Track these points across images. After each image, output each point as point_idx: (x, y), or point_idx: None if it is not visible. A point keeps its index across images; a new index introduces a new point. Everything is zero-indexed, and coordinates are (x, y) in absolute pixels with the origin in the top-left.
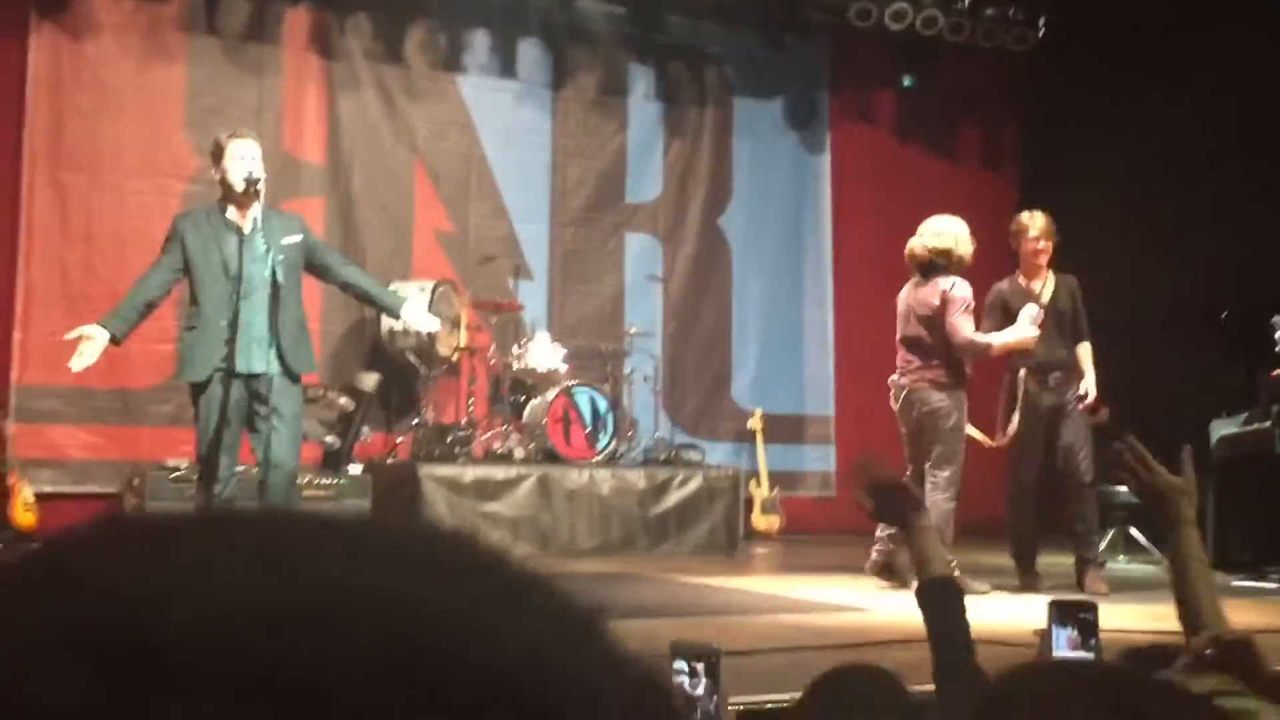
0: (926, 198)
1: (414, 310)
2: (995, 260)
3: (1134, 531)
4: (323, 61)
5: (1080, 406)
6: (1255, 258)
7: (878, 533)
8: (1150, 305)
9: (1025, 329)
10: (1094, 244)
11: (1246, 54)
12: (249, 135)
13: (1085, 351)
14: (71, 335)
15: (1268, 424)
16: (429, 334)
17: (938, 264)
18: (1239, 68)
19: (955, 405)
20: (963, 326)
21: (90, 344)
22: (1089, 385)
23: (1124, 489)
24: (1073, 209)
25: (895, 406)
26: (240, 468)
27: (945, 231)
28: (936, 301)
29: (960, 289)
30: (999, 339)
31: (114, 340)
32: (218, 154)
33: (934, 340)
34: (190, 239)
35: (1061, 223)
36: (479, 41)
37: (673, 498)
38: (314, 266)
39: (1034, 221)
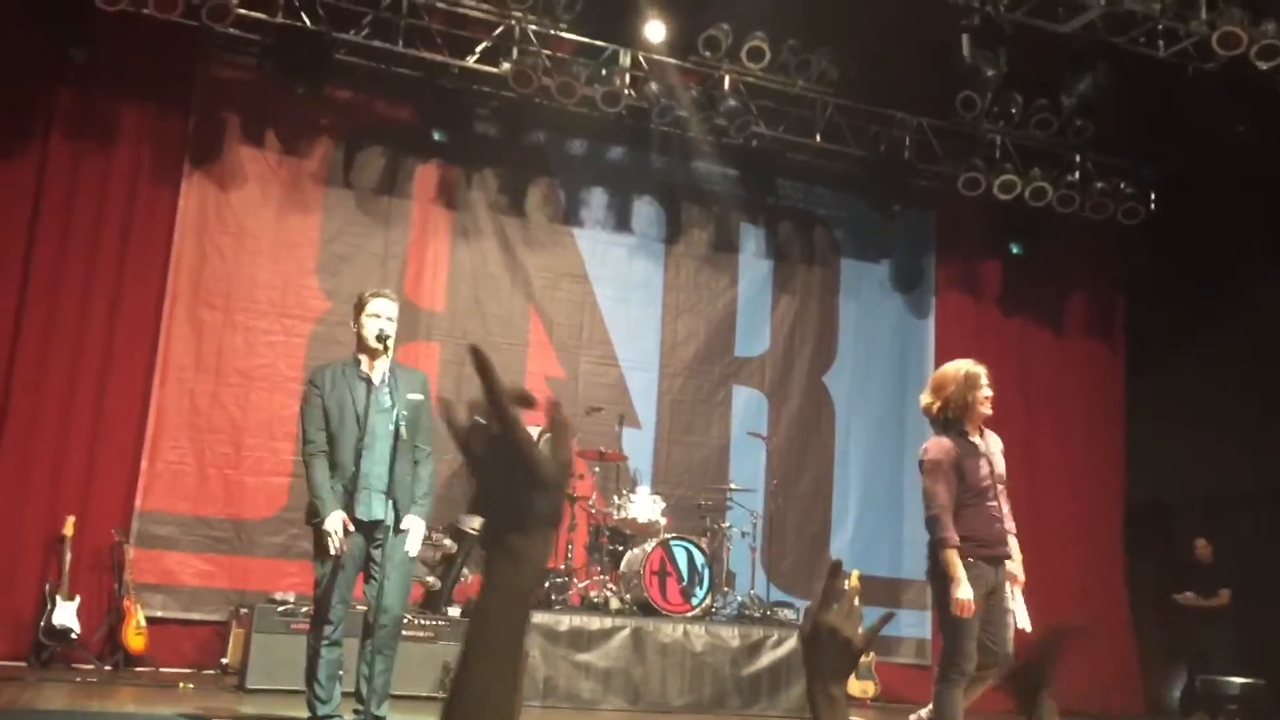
0: (1030, 364)
1: (413, 523)
2: (1096, 422)
3: None
4: (448, 213)
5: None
6: None
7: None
8: (1255, 480)
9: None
10: (1202, 417)
11: None
12: (388, 295)
13: None
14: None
15: None
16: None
17: (931, 420)
18: None
19: (957, 581)
20: (926, 495)
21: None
22: None
23: (1239, 679)
24: (1179, 379)
25: None
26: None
27: (928, 385)
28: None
29: (929, 449)
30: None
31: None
32: (359, 308)
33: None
34: (328, 389)
35: (1168, 394)
36: (596, 198)
37: (766, 658)
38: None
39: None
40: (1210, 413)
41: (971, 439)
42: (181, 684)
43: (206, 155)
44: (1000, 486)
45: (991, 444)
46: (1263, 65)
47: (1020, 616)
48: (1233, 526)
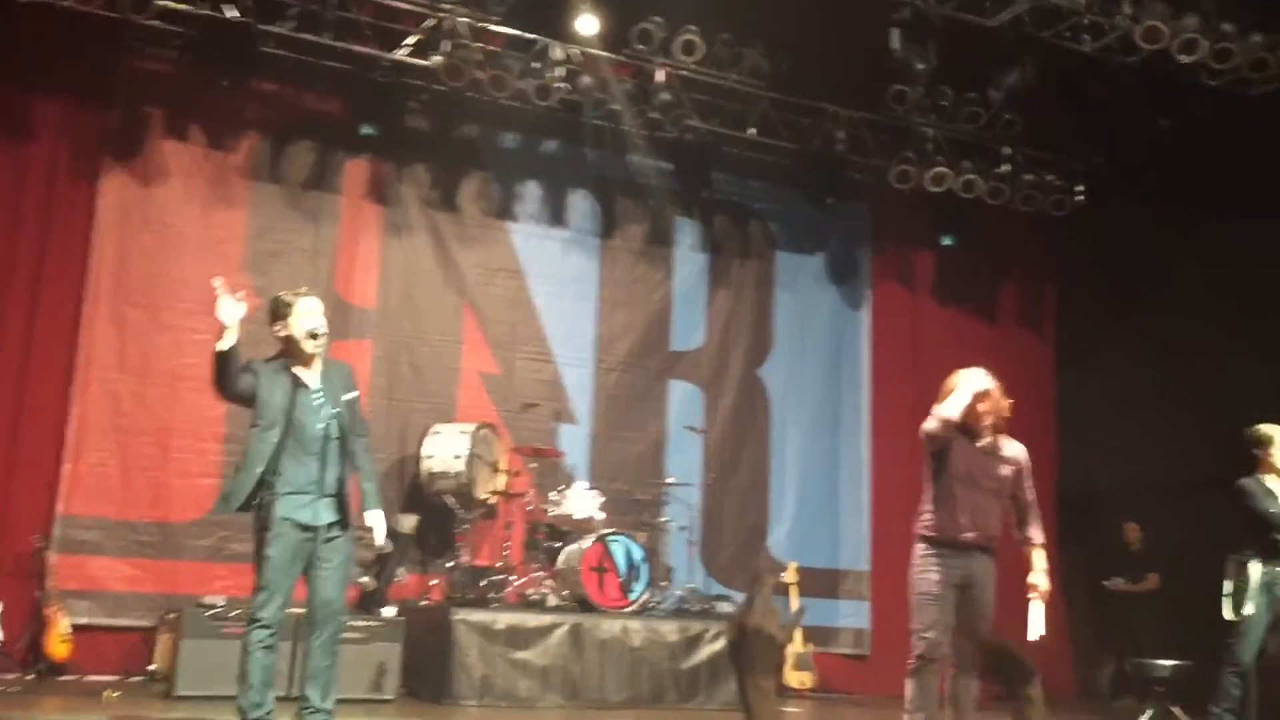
0: (964, 355)
1: (375, 519)
2: (1028, 411)
3: (1175, 709)
4: (379, 208)
5: None
6: None
7: (908, 706)
8: (1183, 467)
9: None
10: (1128, 403)
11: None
12: (313, 293)
13: None
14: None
15: None
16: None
17: None
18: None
19: (913, 555)
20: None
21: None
22: None
23: (1167, 662)
24: (1108, 369)
25: None
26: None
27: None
28: None
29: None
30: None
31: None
32: (283, 312)
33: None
34: (263, 379)
35: (1097, 383)
36: (530, 192)
37: (704, 651)
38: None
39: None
40: (1139, 401)
41: (979, 443)
42: (107, 692)
43: (128, 150)
44: (994, 486)
45: (1006, 449)
46: (1184, 59)
47: (1033, 627)
48: (1161, 513)
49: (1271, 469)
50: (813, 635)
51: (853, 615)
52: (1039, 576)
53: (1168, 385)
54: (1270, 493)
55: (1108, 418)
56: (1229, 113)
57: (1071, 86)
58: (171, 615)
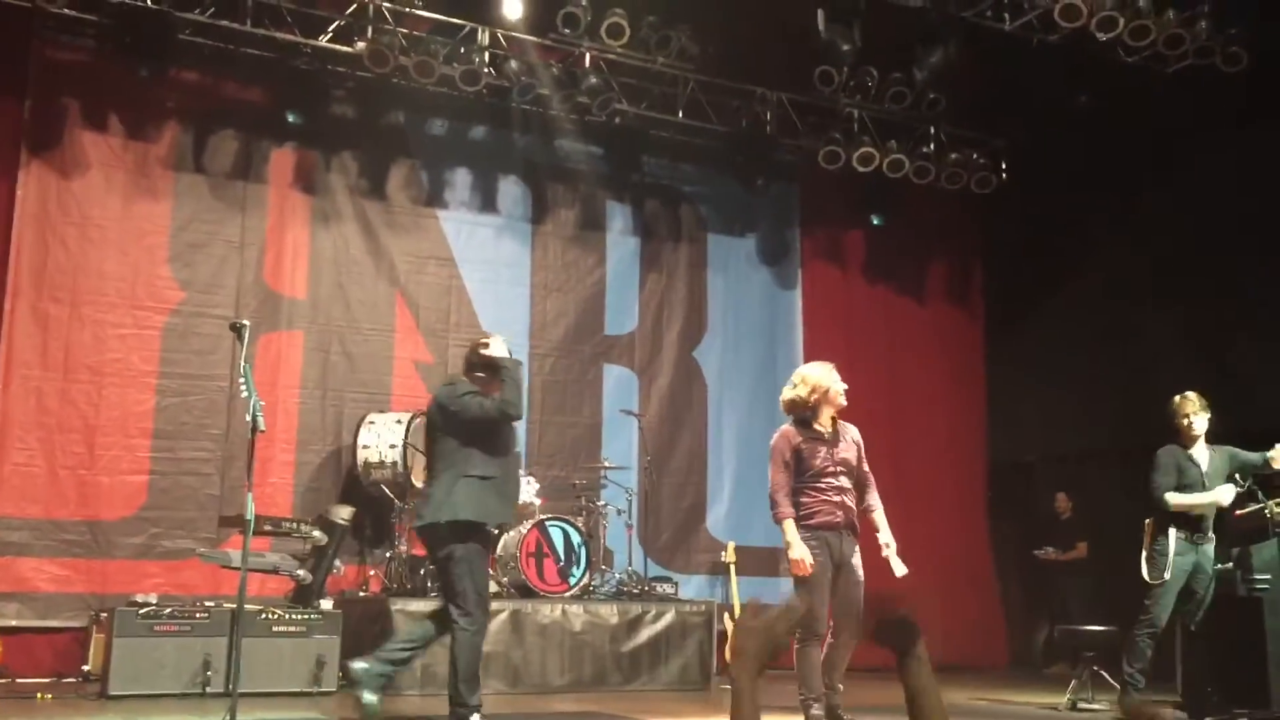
0: (895, 332)
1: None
2: (959, 385)
3: (1103, 672)
4: (306, 197)
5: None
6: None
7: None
8: (1110, 436)
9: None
10: (1058, 377)
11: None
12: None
13: None
14: None
15: (1230, 565)
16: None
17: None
18: (1181, 213)
19: (791, 544)
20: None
21: None
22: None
23: (1094, 628)
24: (1035, 342)
25: None
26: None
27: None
28: None
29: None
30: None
31: None
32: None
33: None
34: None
35: (1025, 356)
36: (460, 179)
37: (645, 633)
38: None
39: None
40: (1065, 373)
41: (817, 427)
42: (40, 694)
43: (45, 142)
44: (845, 470)
45: (845, 435)
46: (1102, 36)
47: (897, 569)
48: (1089, 482)
49: (1190, 437)
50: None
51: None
52: (886, 535)
53: (1094, 357)
54: (1183, 463)
55: (1036, 390)
56: (1146, 89)
57: (994, 65)
58: (104, 615)
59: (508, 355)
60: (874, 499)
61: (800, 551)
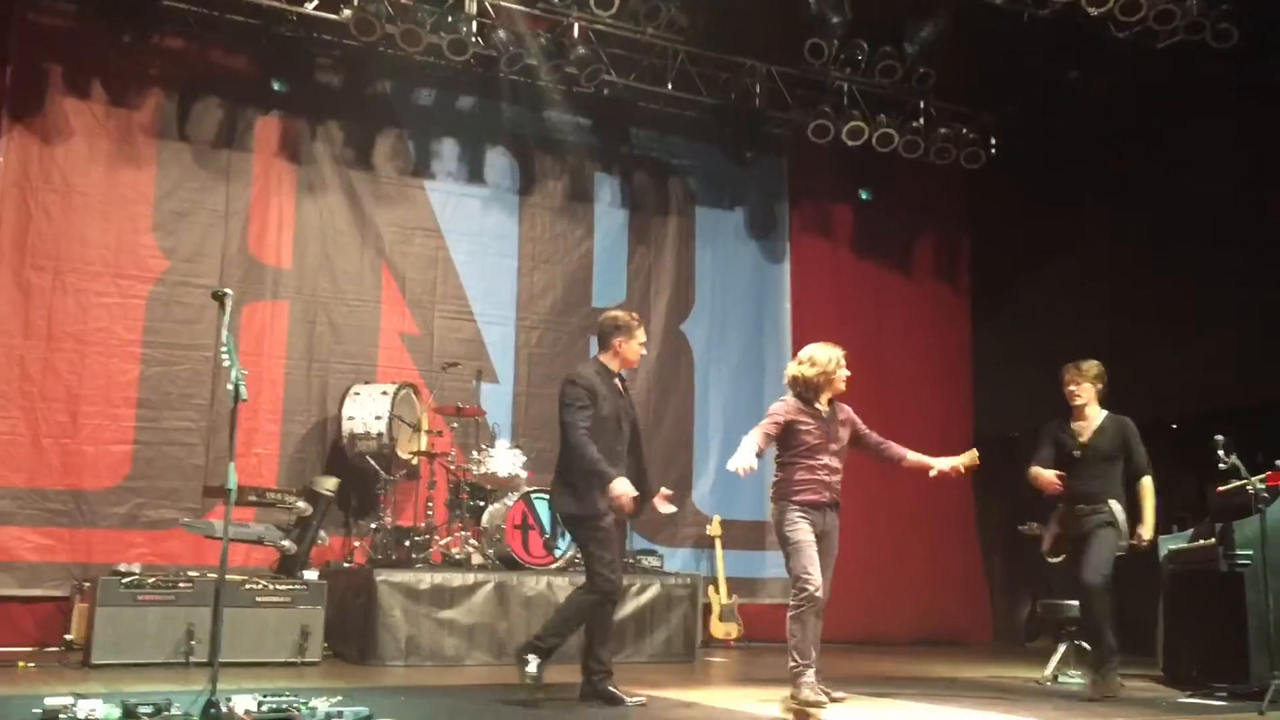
0: (883, 306)
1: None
2: (945, 360)
3: (1086, 645)
4: (292, 166)
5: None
6: (1206, 368)
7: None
8: None
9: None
10: (1043, 353)
11: (1171, 170)
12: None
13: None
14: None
15: (1212, 540)
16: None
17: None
18: (1170, 185)
19: (779, 516)
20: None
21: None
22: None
23: (1074, 603)
24: (1022, 317)
25: None
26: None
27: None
28: None
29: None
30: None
31: None
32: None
33: None
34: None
35: (1012, 331)
36: (447, 149)
37: (630, 606)
38: None
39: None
40: (1051, 348)
41: (816, 406)
42: (21, 663)
43: (26, 108)
44: (837, 449)
45: (839, 414)
46: (1093, 11)
47: (960, 459)
48: None
49: (1073, 408)
50: (739, 587)
51: (778, 566)
52: (927, 459)
53: (1081, 332)
54: (1060, 436)
55: (1022, 365)
56: (1136, 64)
57: (984, 40)
58: (87, 584)
59: None
60: (895, 448)
61: (752, 443)
